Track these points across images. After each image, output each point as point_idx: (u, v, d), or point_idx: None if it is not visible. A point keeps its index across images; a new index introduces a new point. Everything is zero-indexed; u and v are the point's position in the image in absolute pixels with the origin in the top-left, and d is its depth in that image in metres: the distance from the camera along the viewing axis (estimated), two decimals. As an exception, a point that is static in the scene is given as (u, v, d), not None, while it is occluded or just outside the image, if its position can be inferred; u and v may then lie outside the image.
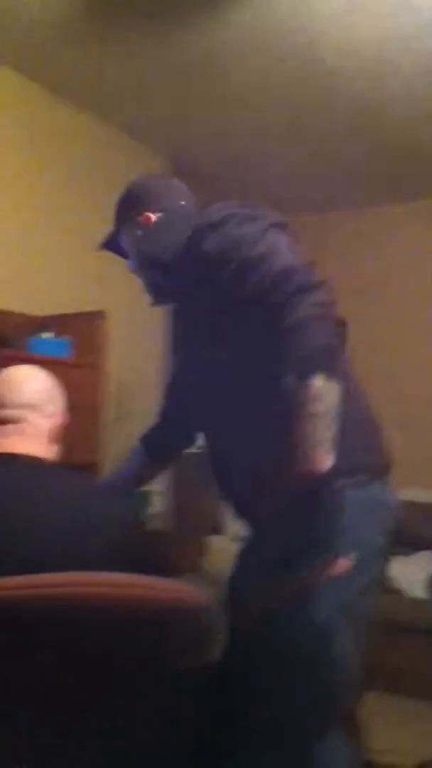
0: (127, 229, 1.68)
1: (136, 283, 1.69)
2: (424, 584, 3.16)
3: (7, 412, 1.42)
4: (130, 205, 1.68)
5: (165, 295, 1.65)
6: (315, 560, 1.26)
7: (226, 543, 3.02)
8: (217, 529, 3.42)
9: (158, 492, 3.43)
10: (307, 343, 1.26)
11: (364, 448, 1.43)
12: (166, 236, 1.59)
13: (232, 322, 1.43)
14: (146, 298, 1.68)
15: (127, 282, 1.87)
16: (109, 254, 1.78)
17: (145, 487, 3.28)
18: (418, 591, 3.17)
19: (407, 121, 3.36)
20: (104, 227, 1.76)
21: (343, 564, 1.29)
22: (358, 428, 1.41)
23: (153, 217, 1.63)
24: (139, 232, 1.64)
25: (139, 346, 3.62)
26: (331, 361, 1.27)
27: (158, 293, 1.65)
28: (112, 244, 1.74)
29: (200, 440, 1.74)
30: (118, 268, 1.83)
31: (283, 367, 1.27)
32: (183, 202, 1.67)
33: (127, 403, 3.31)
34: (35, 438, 1.43)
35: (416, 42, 2.74)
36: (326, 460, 1.23)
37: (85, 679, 1.09)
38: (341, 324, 1.32)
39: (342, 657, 1.38)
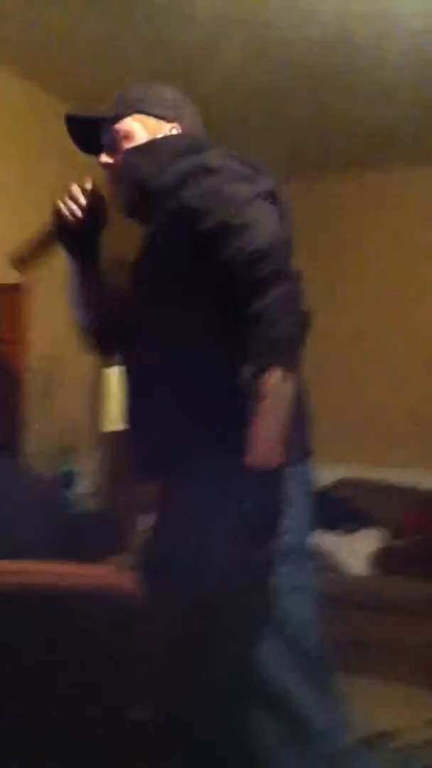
0: (140, 121, 1.52)
1: (60, 255, 1.54)
2: (367, 561, 3.13)
3: None
4: (158, 103, 1.54)
5: (135, 216, 1.52)
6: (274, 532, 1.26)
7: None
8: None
9: (86, 472, 3.32)
10: (270, 335, 1.23)
11: (298, 430, 1.38)
12: (169, 158, 1.43)
13: (193, 281, 1.35)
14: (117, 205, 1.52)
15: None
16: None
17: (71, 467, 3.26)
18: (360, 568, 3.14)
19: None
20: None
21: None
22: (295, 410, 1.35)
23: (169, 130, 1.52)
24: (145, 138, 1.50)
25: (64, 319, 3.48)
26: (291, 355, 1.25)
27: (131, 210, 1.52)
28: (88, 128, 1.56)
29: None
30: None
31: (238, 355, 1.23)
32: (195, 129, 1.56)
33: (52, 378, 3.19)
34: None
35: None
36: (279, 455, 1.22)
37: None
38: (307, 315, 1.28)
39: (308, 622, 1.40)
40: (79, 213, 1.47)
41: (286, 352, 1.24)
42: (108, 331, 1.60)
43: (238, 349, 1.24)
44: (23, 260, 1.51)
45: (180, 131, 1.53)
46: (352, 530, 3.35)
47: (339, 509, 3.41)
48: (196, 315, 1.35)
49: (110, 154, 1.53)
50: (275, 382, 1.21)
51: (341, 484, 3.62)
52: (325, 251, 3.85)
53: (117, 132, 1.53)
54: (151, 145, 1.49)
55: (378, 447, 3.74)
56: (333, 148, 3.85)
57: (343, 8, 2.70)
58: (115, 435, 1.97)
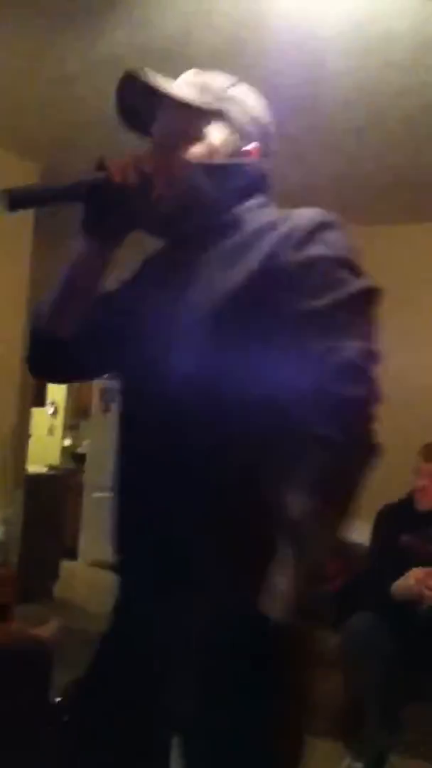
0: (220, 127, 1.20)
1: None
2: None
3: None
4: (246, 112, 1.23)
5: (160, 233, 1.26)
6: None
7: (81, 568, 3.29)
8: (71, 553, 3.66)
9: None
10: (333, 466, 1.01)
11: None
12: (241, 181, 1.21)
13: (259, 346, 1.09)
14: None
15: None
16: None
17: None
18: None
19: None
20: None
21: None
22: None
23: (244, 153, 1.22)
24: (215, 152, 1.19)
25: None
26: (350, 498, 1.03)
27: (163, 228, 1.24)
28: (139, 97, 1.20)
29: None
30: None
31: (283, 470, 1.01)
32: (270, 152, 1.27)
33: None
34: None
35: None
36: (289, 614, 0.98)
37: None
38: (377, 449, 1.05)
39: None
40: (135, 180, 1.15)
41: (347, 494, 1.02)
42: (76, 349, 1.27)
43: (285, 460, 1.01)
44: (18, 199, 1.13)
45: (257, 156, 1.23)
46: None
47: None
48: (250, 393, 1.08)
49: (162, 145, 1.21)
50: (320, 532, 0.99)
51: None
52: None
53: (185, 126, 1.20)
54: (224, 173, 1.20)
55: None
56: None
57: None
58: (36, 480, 2.08)
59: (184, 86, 1.21)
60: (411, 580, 2.55)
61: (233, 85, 1.24)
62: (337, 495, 1.02)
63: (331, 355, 1.03)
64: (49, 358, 1.32)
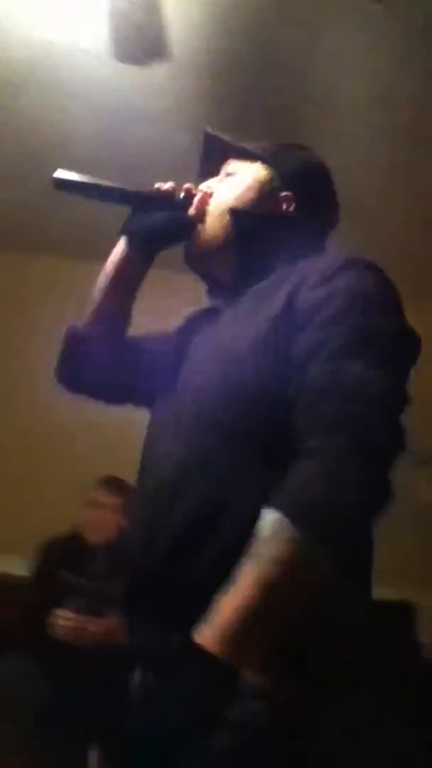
0: (259, 171, 1.31)
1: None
2: None
3: None
4: (284, 162, 1.32)
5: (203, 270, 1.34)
6: None
7: None
8: None
9: None
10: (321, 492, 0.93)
11: None
12: (278, 238, 1.27)
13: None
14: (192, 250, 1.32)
15: None
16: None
17: None
18: None
19: None
20: None
21: None
22: None
23: (280, 200, 1.30)
24: (269, 199, 1.29)
25: None
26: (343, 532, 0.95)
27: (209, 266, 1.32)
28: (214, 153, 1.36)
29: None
30: None
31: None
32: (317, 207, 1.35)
33: None
34: None
35: None
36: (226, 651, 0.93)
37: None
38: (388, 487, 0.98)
39: None
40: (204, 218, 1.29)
41: (321, 510, 0.92)
42: (104, 363, 1.36)
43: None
44: (64, 182, 1.30)
45: (292, 205, 1.29)
46: None
47: None
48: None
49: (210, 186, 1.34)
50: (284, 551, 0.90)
51: None
52: None
53: (228, 164, 1.34)
54: (259, 220, 1.27)
55: None
56: None
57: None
58: None
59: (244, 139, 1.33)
60: (59, 620, 2.42)
61: (293, 147, 1.37)
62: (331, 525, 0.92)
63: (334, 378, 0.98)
64: (75, 362, 1.36)
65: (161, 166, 2.85)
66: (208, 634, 0.89)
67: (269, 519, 0.91)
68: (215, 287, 1.33)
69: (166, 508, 1.09)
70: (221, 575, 0.93)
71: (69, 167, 1.31)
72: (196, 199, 1.28)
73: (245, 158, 1.31)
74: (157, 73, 2.40)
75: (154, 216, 1.30)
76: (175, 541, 1.05)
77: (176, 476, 1.10)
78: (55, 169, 1.30)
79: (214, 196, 1.30)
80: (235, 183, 1.30)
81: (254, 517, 0.93)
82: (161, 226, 1.30)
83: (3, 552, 3.38)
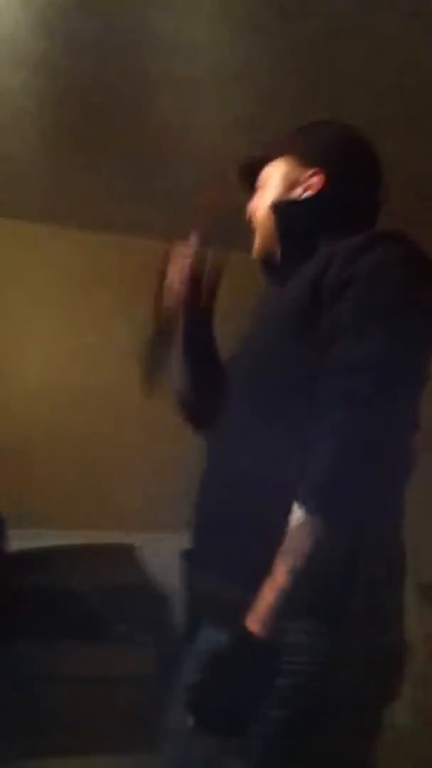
0: (283, 166, 1.38)
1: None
2: None
3: None
4: (303, 143, 1.40)
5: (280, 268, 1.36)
6: None
7: None
8: None
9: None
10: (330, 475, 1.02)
11: None
12: (322, 211, 1.31)
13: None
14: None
15: None
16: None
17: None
18: None
19: None
20: None
21: None
22: None
23: (308, 177, 1.34)
24: (289, 184, 1.36)
25: None
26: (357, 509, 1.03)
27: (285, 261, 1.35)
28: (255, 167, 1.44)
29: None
30: None
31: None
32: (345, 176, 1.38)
33: None
34: None
35: None
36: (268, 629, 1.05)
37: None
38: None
39: None
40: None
41: (336, 498, 1.01)
42: (204, 406, 1.40)
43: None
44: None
45: (322, 181, 1.32)
46: None
47: None
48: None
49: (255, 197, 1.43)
50: (311, 543, 1.00)
51: None
52: None
53: (259, 177, 1.42)
54: (289, 209, 1.33)
55: None
56: None
57: None
58: None
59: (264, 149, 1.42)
60: None
61: (303, 127, 1.41)
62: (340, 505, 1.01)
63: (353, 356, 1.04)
64: (188, 414, 1.47)
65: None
66: (255, 619, 1.02)
67: (296, 515, 1.02)
68: (268, 270, 1.41)
69: (216, 471, 1.27)
70: (265, 529, 1.06)
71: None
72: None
73: (269, 161, 1.40)
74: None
75: None
76: (227, 494, 1.20)
77: (222, 440, 1.28)
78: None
79: (257, 209, 1.40)
80: (267, 189, 1.39)
81: (285, 479, 1.06)
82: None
83: None
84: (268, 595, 1.02)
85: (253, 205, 1.42)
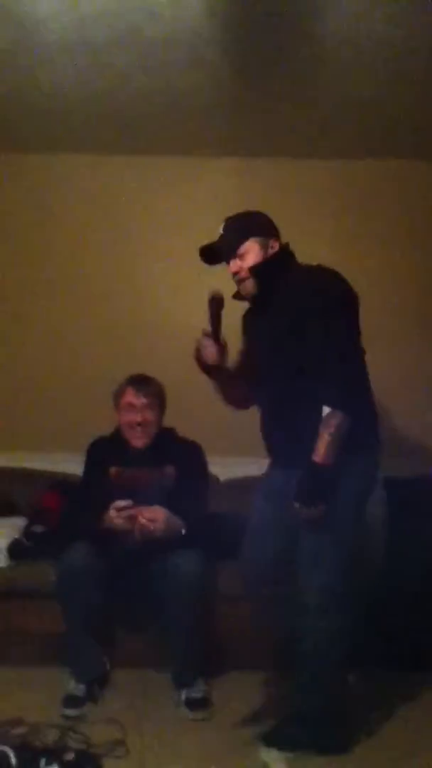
0: (254, 243, 2.34)
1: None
2: (5, 552, 3.04)
3: None
4: (262, 227, 2.38)
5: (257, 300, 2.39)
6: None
7: None
8: None
9: None
10: (341, 398, 2.14)
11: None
12: (278, 265, 2.34)
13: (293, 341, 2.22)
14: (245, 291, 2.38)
15: None
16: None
17: None
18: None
19: None
20: None
21: None
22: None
23: (276, 246, 2.38)
24: (265, 251, 2.34)
25: None
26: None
27: (258, 297, 2.37)
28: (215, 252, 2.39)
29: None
30: None
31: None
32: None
33: None
34: None
35: None
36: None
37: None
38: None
39: None
40: (215, 354, 2.39)
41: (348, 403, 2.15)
42: (242, 400, 2.52)
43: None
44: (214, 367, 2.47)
45: (278, 243, 2.37)
46: None
47: None
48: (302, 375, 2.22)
49: (235, 263, 2.36)
50: (338, 423, 2.12)
51: None
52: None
53: (239, 253, 2.35)
54: (274, 260, 2.35)
55: (15, 433, 3.71)
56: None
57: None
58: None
59: (233, 236, 2.37)
60: (111, 511, 2.61)
61: (251, 217, 2.40)
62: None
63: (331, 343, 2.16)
64: (236, 407, 2.57)
65: (170, 38, 2.73)
66: (321, 456, 2.13)
67: (327, 410, 2.13)
68: (252, 302, 2.44)
69: (277, 412, 2.38)
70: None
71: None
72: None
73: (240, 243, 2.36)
74: None
75: None
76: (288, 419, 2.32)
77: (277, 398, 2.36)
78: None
79: (242, 266, 2.35)
80: (249, 257, 2.35)
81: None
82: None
83: (56, 450, 3.52)
84: (321, 446, 2.13)
85: (238, 267, 2.35)
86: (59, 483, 3.33)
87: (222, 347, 2.38)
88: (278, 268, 2.33)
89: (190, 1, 2.52)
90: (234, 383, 2.47)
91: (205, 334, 2.36)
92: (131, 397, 2.82)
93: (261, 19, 2.63)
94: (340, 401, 2.12)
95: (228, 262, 2.37)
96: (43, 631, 2.85)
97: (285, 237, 2.40)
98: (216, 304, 2.33)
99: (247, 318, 2.51)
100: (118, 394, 2.87)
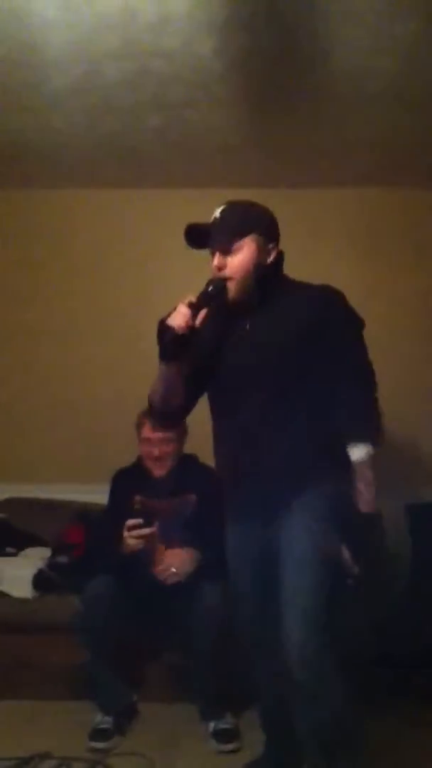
0: (252, 242, 2.03)
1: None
2: (30, 582, 3.06)
3: None
4: (266, 226, 2.09)
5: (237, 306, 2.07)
6: None
7: None
8: None
9: None
10: (371, 426, 1.97)
11: None
12: (275, 273, 2.10)
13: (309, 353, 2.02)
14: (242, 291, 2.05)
15: None
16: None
17: None
18: (24, 590, 3.06)
19: None
20: None
21: None
22: None
23: (272, 249, 2.09)
24: (261, 254, 2.04)
25: None
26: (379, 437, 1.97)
27: (246, 303, 2.06)
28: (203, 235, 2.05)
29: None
30: None
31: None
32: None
33: None
34: None
35: None
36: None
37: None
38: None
39: None
40: (185, 330, 1.94)
41: (378, 436, 1.94)
42: (176, 412, 2.16)
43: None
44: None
45: (277, 250, 2.09)
46: (16, 552, 3.29)
47: (3, 531, 3.37)
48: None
49: (222, 257, 2.03)
50: (373, 461, 1.91)
51: (5, 504, 3.57)
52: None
53: (233, 247, 2.03)
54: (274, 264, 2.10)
55: (37, 464, 3.76)
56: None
57: None
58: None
59: (227, 223, 2.03)
60: (125, 532, 2.57)
61: (249, 209, 2.07)
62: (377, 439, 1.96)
63: (359, 357, 2.02)
64: (165, 422, 2.38)
65: (181, 75, 2.81)
66: (366, 504, 1.92)
67: (359, 447, 1.93)
68: (241, 306, 2.07)
69: (261, 436, 2.00)
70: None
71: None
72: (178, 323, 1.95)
73: (239, 235, 2.04)
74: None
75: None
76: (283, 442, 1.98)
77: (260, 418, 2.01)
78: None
79: (231, 264, 2.03)
80: (244, 253, 2.03)
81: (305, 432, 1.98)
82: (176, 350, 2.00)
83: (81, 482, 3.53)
84: (366, 491, 1.91)
85: (225, 264, 2.03)
86: (83, 515, 3.35)
87: (195, 327, 1.97)
88: (275, 277, 2.09)
89: (200, 39, 2.59)
90: (178, 382, 2.07)
91: (189, 304, 1.96)
92: (148, 431, 2.85)
93: (271, 56, 2.68)
94: (371, 434, 1.93)
95: (214, 253, 2.04)
96: (69, 663, 2.83)
97: (300, 266, 2.26)
98: (216, 291, 2.00)
99: (218, 323, 2.11)
100: (138, 426, 2.90)
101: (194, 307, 1.94)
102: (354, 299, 2.10)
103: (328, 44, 2.62)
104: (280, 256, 2.09)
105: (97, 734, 2.57)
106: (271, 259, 2.06)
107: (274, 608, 1.92)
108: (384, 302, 3.71)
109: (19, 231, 3.96)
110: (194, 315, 1.93)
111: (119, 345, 3.85)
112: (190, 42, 2.60)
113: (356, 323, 2.04)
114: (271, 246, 2.05)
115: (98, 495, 3.04)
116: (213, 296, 1.98)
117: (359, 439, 1.91)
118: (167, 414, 2.13)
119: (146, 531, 2.56)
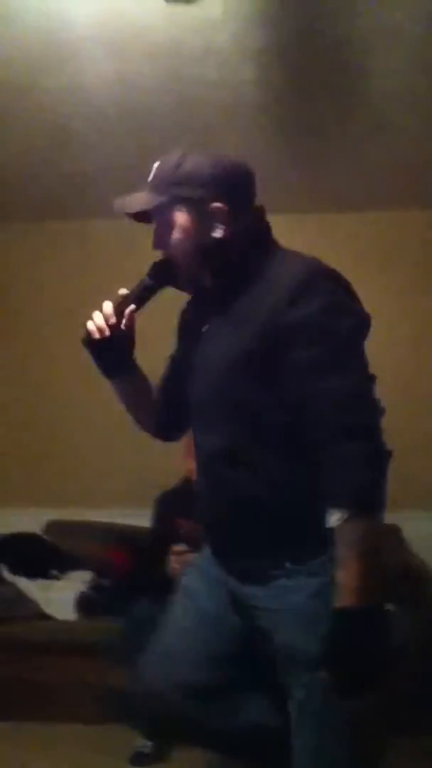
0: (178, 216, 1.47)
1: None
2: (73, 605, 3.07)
3: None
4: (196, 185, 1.45)
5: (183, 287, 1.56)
6: None
7: None
8: None
9: None
10: (355, 483, 1.28)
11: None
12: (241, 246, 1.47)
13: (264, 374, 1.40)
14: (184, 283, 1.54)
15: None
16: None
17: None
18: (67, 613, 3.06)
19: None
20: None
21: None
22: None
23: (213, 211, 1.46)
24: (211, 223, 1.45)
25: None
26: (375, 500, 1.30)
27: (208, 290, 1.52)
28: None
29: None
30: None
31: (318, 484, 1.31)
32: (240, 197, 1.52)
33: None
34: None
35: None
36: (368, 596, 1.28)
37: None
38: (389, 454, 1.33)
39: None
40: (106, 332, 1.51)
41: (371, 498, 1.29)
42: (165, 421, 1.74)
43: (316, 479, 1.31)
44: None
45: (224, 208, 1.44)
46: (60, 575, 3.30)
47: (48, 554, 3.39)
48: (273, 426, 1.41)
49: (160, 235, 1.50)
50: (362, 534, 1.27)
51: (49, 527, 3.60)
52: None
53: (164, 222, 1.48)
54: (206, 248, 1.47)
55: (78, 488, 3.78)
56: None
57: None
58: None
59: (146, 193, 1.46)
60: (170, 556, 2.59)
61: (180, 163, 1.44)
62: (366, 502, 1.28)
63: (331, 394, 1.29)
64: (160, 438, 1.79)
65: (222, 103, 2.87)
66: (353, 595, 1.27)
67: (336, 518, 1.28)
68: (196, 293, 1.59)
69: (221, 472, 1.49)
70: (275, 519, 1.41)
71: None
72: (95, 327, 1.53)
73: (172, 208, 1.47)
74: (209, 8, 2.34)
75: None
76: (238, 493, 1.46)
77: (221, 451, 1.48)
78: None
79: (173, 246, 1.48)
80: (179, 228, 1.47)
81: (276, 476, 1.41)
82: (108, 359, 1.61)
83: (126, 506, 3.53)
84: (349, 579, 1.27)
85: (163, 239, 1.49)
86: (126, 538, 3.37)
87: (116, 325, 1.52)
88: (242, 252, 1.47)
89: (240, 68, 2.64)
90: (142, 398, 1.70)
91: (119, 299, 1.53)
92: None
93: (311, 84, 2.73)
94: (366, 497, 1.29)
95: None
96: (109, 686, 2.79)
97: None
98: (150, 279, 1.53)
99: (188, 315, 1.66)
100: (185, 445, 2.88)
101: (122, 304, 1.51)
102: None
103: (363, 72, 2.66)
104: (245, 228, 1.47)
105: (137, 759, 2.56)
106: (219, 232, 1.45)
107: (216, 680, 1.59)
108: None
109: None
110: (119, 312, 1.51)
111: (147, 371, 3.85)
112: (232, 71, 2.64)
113: (336, 333, 1.34)
114: (229, 210, 1.44)
115: (138, 518, 3.08)
116: (146, 287, 1.52)
117: (333, 502, 1.29)
118: (157, 433, 1.78)
119: (192, 557, 2.54)
